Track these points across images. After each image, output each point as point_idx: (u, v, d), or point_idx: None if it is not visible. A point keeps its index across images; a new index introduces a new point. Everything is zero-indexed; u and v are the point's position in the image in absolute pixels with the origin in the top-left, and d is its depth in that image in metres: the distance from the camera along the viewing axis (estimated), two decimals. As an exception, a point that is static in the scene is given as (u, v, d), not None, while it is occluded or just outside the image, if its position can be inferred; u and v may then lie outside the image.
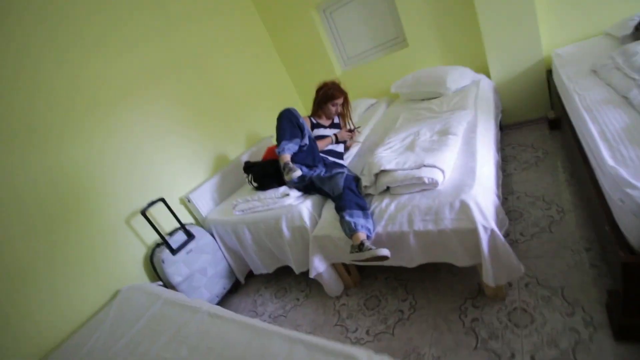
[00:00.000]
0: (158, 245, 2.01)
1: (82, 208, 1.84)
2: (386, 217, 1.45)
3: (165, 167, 2.26)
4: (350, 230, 1.44)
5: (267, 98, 3.19)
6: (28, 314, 1.58)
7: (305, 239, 1.78)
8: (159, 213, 2.11)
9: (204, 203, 2.35)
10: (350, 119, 2.40)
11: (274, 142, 2.07)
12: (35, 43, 1.77)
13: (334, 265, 1.77)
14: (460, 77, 2.50)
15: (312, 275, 1.72)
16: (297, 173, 1.72)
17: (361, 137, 2.45)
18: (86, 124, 1.91)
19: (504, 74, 2.52)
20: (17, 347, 1.53)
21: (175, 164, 2.33)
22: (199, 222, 2.37)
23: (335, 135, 2.21)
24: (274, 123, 1.97)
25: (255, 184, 2.13)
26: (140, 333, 1.39)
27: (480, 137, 1.73)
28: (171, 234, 2.06)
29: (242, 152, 2.81)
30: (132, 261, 2.00)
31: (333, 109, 2.24)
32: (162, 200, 1.98)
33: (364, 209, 1.52)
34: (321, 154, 2.08)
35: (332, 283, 1.76)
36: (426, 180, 1.38)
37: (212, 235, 2.22)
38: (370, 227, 1.45)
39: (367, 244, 1.35)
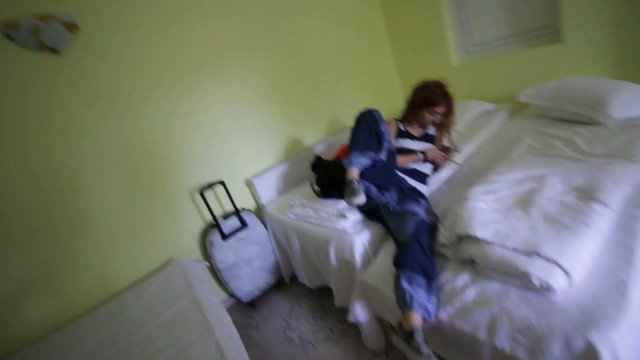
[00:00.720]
0: (212, 226, 1.98)
1: (154, 172, 1.89)
2: (458, 304, 1.05)
3: (238, 144, 2.18)
4: (402, 303, 1.10)
5: (361, 83, 2.80)
6: (85, 265, 1.72)
7: (352, 275, 1.50)
8: (222, 192, 2.06)
9: (267, 190, 2.23)
10: (450, 133, 1.89)
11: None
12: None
13: (378, 318, 1.46)
14: (634, 101, 1.70)
15: (350, 319, 1.45)
16: (360, 199, 1.40)
17: (460, 156, 1.93)
18: (172, 92, 1.90)
19: None
20: (65, 294, 1.69)
21: (248, 143, 2.23)
22: (258, 209, 2.28)
23: (424, 152, 1.76)
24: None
25: (316, 188, 1.88)
26: (157, 330, 1.36)
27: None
28: (227, 216, 2.01)
29: (318, 139, 2.57)
30: (189, 234, 2.03)
31: (430, 117, 1.79)
32: (222, 183, 1.90)
33: (430, 277, 1.15)
34: (400, 173, 1.69)
35: (372, 335, 1.47)
36: (536, 283, 0.92)
37: (266, 227, 2.10)
38: (432, 308, 1.08)
39: (419, 338, 1.00)
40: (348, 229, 1.54)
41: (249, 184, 2.21)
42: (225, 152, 2.13)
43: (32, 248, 1.59)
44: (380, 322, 1.48)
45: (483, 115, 2.40)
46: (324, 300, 1.96)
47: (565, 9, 1.98)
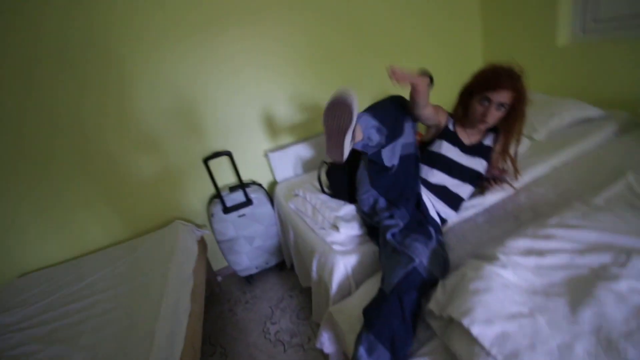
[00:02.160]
0: (217, 196, 1.89)
1: (175, 130, 1.82)
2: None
3: (264, 113, 1.98)
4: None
5: (431, 60, 2.26)
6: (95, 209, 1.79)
7: (327, 297, 1.27)
8: (239, 160, 1.93)
9: (284, 167, 2.04)
10: (513, 152, 1.34)
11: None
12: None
13: (345, 354, 1.24)
14: None
15: (317, 345, 1.26)
16: (338, 156, 1.05)
17: (521, 180, 1.43)
18: (197, 43, 1.73)
19: None
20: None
21: (276, 112, 2.01)
22: (271, 186, 2.12)
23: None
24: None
25: (324, 180, 1.60)
26: (125, 295, 1.35)
27: None
28: (234, 188, 1.88)
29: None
30: (199, 198, 1.99)
31: (480, 109, 1.22)
32: (229, 154, 1.74)
33: (397, 355, 0.86)
34: (425, 190, 1.29)
35: (337, 368, 1.27)
36: None
37: (273, 206, 1.94)
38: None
39: None
40: (335, 245, 1.28)
41: (267, 157, 2.02)
42: (249, 119, 1.95)
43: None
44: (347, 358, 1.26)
45: (581, 123, 1.75)
46: (314, 300, 1.80)
47: None
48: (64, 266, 1.71)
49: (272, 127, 2.03)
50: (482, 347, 0.73)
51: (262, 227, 1.94)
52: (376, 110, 1.15)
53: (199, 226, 1.94)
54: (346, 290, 1.22)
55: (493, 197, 1.39)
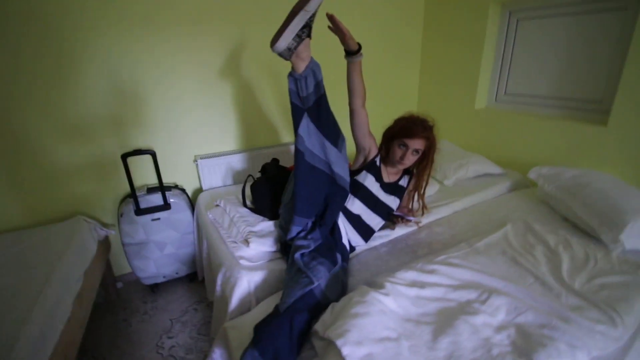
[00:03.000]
0: (130, 195, 1.77)
1: (101, 119, 1.71)
2: None
3: (202, 118, 1.95)
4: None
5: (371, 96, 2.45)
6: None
7: (226, 312, 1.24)
8: (165, 163, 1.85)
9: (212, 176, 1.99)
10: (422, 191, 1.49)
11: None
12: None
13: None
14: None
15: (208, 361, 1.20)
16: (281, 44, 1.00)
17: (427, 217, 1.59)
18: (143, 39, 1.67)
19: None
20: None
21: (214, 119, 1.99)
22: (195, 194, 2.05)
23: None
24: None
25: (247, 197, 1.61)
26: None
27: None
28: (153, 190, 1.78)
29: (291, 141, 2.28)
30: (111, 195, 1.84)
31: (399, 152, 1.36)
32: (152, 154, 1.67)
33: None
34: (342, 218, 1.36)
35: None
36: None
37: (193, 214, 1.87)
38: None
39: None
40: (243, 261, 1.27)
41: (196, 163, 1.97)
42: (184, 122, 1.90)
43: None
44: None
45: (483, 176, 2.01)
46: (219, 316, 1.73)
47: (623, 88, 1.55)
48: None
49: (206, 133, 1.99)
50: (348, 367, 0.77)
51: (177, 234, 1.85)
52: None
53: (104, 225, 1.78)
54: (246, 307, 1.20)
55: (399, 231, 1.51)
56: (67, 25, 1.52)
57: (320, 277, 1.06)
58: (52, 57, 1.53)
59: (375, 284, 1.09)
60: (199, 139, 1.97)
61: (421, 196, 1.50)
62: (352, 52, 1.22)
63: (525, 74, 2.05)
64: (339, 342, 0.81)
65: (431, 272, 1.14)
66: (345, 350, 0.79)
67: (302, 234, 1.23)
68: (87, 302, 1.40)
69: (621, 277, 1.13)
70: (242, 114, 2.06)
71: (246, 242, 1.32)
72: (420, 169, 1.45)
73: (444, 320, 0.95)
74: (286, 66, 1.14)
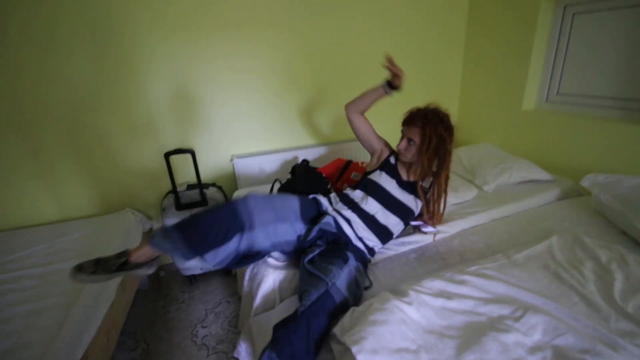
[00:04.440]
0: (172, 191, 1.89)
1: (153, 120, 1.87)
2: None
3: (239, 117, 2.04)
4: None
5: (409, 97, 2.37)
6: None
7: (252, 308, 1.28)
8: (205, 162, 1.97)
9: (247, 176, 2.07)
10: (444, 191, 1.40)
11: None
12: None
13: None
14: None
15: (234, 354, 1.26)
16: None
17: (455, 225, 1.51)
18: (188, 45, 1.80)
19: None
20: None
21: (255, 119, 2.08)
22: (231, 192, 2.14)
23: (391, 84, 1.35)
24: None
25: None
26: (52, 274, 1.33)
27: None
28: (192, 187, 1.89)
29: (325, 141, 2.28)
30: (153, 191, 1.99)
31: (402, 144, 1.35)
32: (192, 152, 1.77)
33: None
34: (352, 216, 1.32)
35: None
36: None
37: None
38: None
39: None
40: (271, 259, 1.30)
41: (233, 162, 2.05)
42: (223, 121, 2.01)
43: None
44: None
45: (528, 183, 1.86)
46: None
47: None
48: (6, 234, 1.66)
49: (245, 132, 2.07)
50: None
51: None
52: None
53: (149, 217, 1.93)
54: (270, 304, 1.23)
55: (430, 237, 1.45)
56: (127, 32, 1.67)
57: (333, 277, 1.05)
58: (113, 62, 1.69)
59: (398, 292, 1.06)
60: (237, 138, 2.06)
61: (435, 200, 1.42)
62: (394, 88, 1.35)
63: (581, 73, 1.86)
64: (354, 349, 0.80)
65: (461, 282, 1.08)
66: (360, 358, 0.78)
67: (308, 240, 1.24)
68: (130, 289, 1.53)
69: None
70: (279, 115, 2.11)
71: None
72: (437, 169, 1.36)
73: (471, 335, 0.90)
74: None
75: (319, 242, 1.21)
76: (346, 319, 0.97)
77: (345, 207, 1.33)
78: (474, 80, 2.43)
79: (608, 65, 1.73)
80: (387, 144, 1.48)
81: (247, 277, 1.34)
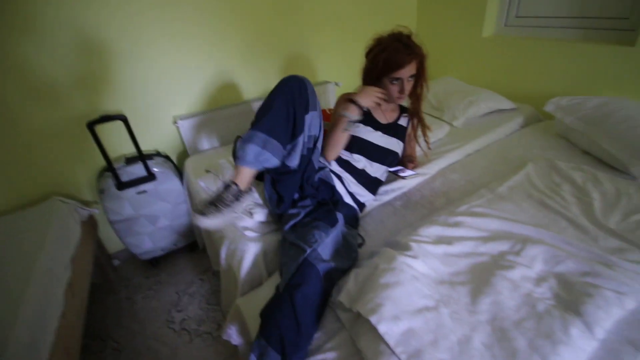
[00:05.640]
0: (108, 169, 1.57)
1: (72, 81, 1.44)
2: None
3: (177, 73, 1.68)
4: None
5: (361, 31, 2.15)
6: None
7: (236, 287, 1.14)
8: (143, 126, 1.63)
9: (196, 138, 1.79)
10: (422, 120, 1.30)
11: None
12: None
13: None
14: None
15: (223, 337, 1.14)
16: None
17: (433, 166, 1.46)
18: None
19: None
20: None
21: (188, 73, 1.72)
22: (181, 158, 1.85)
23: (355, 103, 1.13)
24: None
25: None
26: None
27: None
28: (132, 160, 1.58)
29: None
30: (84, 171, 1.63)
31: (394, 89, 1.17)
32: (124, 119, 1.44)
33: (288, 359, 0.78)
34: (339, 169, 1.21)
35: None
36: None
37: (182, 182, 1.70)
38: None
39: None
40: (248, 232, 1.14)
41: (177, 125, 1.74)
42: (159, 79, 1.64)
43: None
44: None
45: (494, 113, 1.86)
46: (227, 285, 1.66)
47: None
48: None
49: (186, 90, 1.74)
50: (387, 346, 0.69)
51: (169, 205, 1.69)
52: (263, 122, 0.98)
53: (85, 203, 1.60)
54: (257, 281, 1.11)
55: (412, 181, 1.39)
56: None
57: (314, 242, 0.94)
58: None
59: (398, 245, 0.98)
60: (177, 97, 1.73)
61: (425, 127, 1.32)
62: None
63: None
64: (373, 319, 0.72)
65: (456, 224, 1.04)
66: (382, 328, 0.70)
67: (290, 206, 1.11)
68: (81, 290, 1.29)
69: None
70: (221, 67, 1.79)
71: (249, 213, 1.18)
72: (415, 98, 1.25)
73: (480, 278, 0.87)
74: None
75: (307, 203, 1.07)
76: (350, 284, 0.88)
77: (335, 163, 1.19)
78: (431, 9, 2.27)
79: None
80: (346, 102, 1.21)
81: (223, 254, 1.18)
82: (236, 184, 0.99)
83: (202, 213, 0.95)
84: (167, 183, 1.64)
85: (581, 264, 0.88)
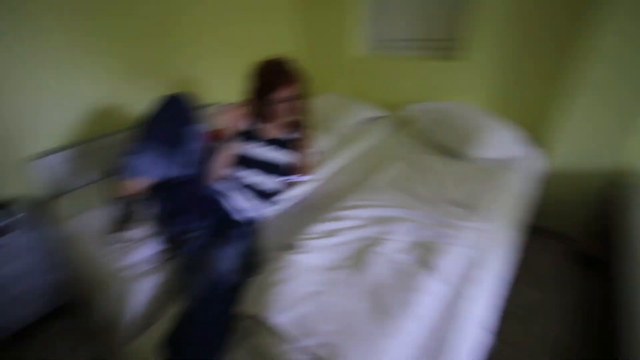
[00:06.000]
0: None
1: None
2: None
3: (38, 103, 1.43)
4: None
5: (240, 40, 2.21)
6: None
7: (119, 335, 1.00)
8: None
9: (70, 174, 1.54)
10: (306, 133, 1.42)
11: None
12: None
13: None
14: (501, 141, 1.60)
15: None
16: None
17: (323, 171, 1.58)
18: None
19: (567, 161, 1.64)
20: None
21: (59, 102, 1.50)
22: (38, 204, 1.55)
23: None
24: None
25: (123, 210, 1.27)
26: None
27: (483, 293, 0.91)
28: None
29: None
30: None
31: (270, 110, 1.27)
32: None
33: None
34: (224, 188, 1.22)
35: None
36: None
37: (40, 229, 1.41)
38: None
39: None
40: (127, 271, 1.02)
41: (30, 165, 1.46)
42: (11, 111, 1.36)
43: None
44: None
45: (368, 121, 2.13)
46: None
47: (466, 26, 1.79)
48: None
49: (52, 122, 1.50)
50: (283, 334, 0.71)
51: (25, 263, 1.39)
52: (150, 134, 1.05)
53: None
54: (148, 321, 0.99)
55: (306, 187, 1.47)
56: None
57: (212, 264, 0.94)
58: None
59: (290, 246, 1.03)
60: (40, 131, 1.47)
61: (308, 141, 1.43)
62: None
63: (397, 19, 2.16)
64: (265, 315, 0.74)
65: (339, 218, 1.16)
66: (275, 320, 0.73)
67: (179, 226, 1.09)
68: None
69: (475, 180, 1.38)
70: (100, 94, 1.59)
71: (129, 247, 1.06)
72: (298, 114, 1.37)
73: (363, 258, 0.97)
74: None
75: (199, 224, 1.06)
76: (247, 294, 0.88)
77: (223, 182, 1.20)
78: (314, 32, 2.52)
79: (414, 11, 2.05)
80: (236, 118, 1.31)
81: (103, 302, 1.03)
82: (120, 197, 1.02)
83: (120, 230, 1.05)
84: (21, 236, 1.35)
85: (436, 231, 1.08)
